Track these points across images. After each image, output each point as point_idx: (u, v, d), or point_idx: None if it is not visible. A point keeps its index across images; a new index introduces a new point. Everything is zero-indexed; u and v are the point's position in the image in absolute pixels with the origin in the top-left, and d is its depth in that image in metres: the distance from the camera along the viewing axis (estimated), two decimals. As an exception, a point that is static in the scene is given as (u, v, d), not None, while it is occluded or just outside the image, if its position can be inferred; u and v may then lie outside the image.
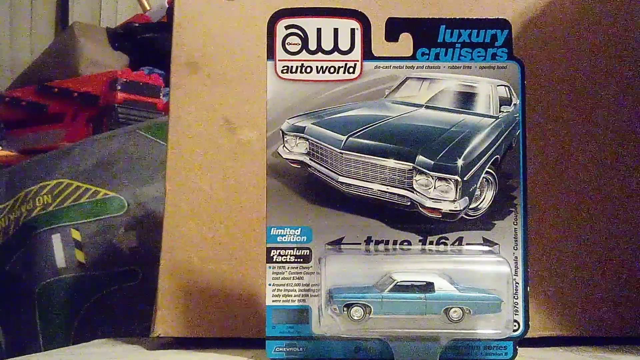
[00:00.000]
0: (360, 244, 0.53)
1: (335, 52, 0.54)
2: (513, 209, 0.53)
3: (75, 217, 1.03)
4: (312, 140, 0.55)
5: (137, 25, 1.78)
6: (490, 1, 0.68)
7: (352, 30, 0.54)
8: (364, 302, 0.49)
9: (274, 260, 0.53)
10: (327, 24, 0.54)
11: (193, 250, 0.65)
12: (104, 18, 2.64)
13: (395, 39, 0.54)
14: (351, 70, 0.54)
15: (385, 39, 0.55)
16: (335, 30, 0.54)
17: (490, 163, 0.53)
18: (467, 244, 0.53)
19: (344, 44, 0.54)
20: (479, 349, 0.52)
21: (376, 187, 0.54)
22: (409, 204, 0.53)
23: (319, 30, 0.54)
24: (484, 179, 0.53)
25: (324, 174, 0.54)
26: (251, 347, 0.59)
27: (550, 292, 0.64)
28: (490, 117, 0.55)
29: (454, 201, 0.52)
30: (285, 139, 0.54)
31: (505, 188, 0.53)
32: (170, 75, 0.68)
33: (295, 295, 0.53)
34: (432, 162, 0.52)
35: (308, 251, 0.53)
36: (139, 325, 0.95)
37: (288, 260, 0.53)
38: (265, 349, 0.53)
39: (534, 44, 0.67)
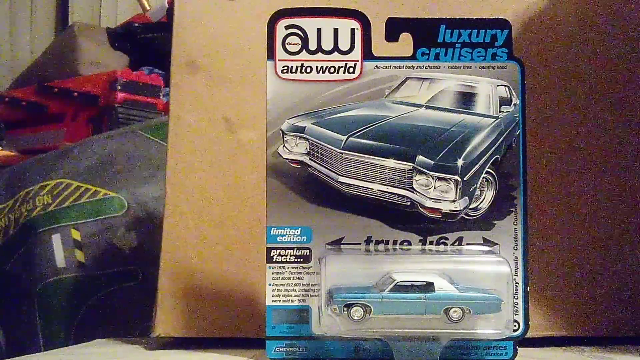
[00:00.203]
0: (360, 244, 0.53)
1: (335, 52, 0.54)
2: (513, 209, 0.53)
3: (75, 217, 1.03)
4: (312, 140, 0.55)
5: (137, 25, 1.78)
6: (490, 1, 0.68)
7: (352, 30, 0.54)
8: (364, 302, 0.49)
9: (274, 260, 0.53)
10: (327, 24, 0.54)
11: (193, 250, 0.65)
12: (104, 18, 2.64)
13: (395, 39, 0.54)
14: (351, 70, 0.54)
15: (385, 39, 0.55)
16: (335, 30, 0.54)
17: (490, 163, 0.53)
18: (467, 244, 0.53)
19: (344, 44, 0.54)
20: (479, 349, 0.52)
21: (376, 187, 0.54)
22: (409, 204, 0.53)
23: (319, 30, 0.54)
24: (484, 179, 0.53)
25: (324, 174, 0.54)
26: (251, 347, 0.59)
27: (550, 292, 0.64)
28: (490, 117, 0.55)
29: (454, 201, 0.52)
30: (285, 139, 0.54)
31: (505, 188, 0.53)
32: (170, 75, 0.68)
33: (295, 295, 0.53)
34: (432, 162, 0.52)
35: (308, 251, 0.53)
36: (139, 325, 0.95)
37: (288, 260, 0.53)
38: (265, 349, 0.53)
39: (534, 44, 0.67)
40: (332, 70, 0.54)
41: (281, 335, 0.53)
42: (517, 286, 0.52)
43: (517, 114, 0.54)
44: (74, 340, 0.98)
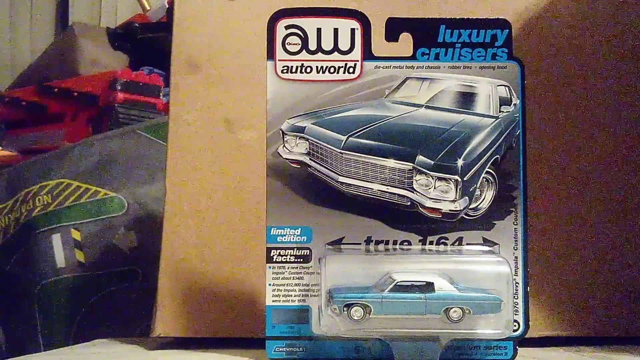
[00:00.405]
0: (360, 244, 0.53)
1: (335, 52, 0.54)
2: (513, 209, 0.53)
3: (75, 217, 1.03)
4: (312, 140, 0.55)
5: (137, 25, 1.78)
6: (490, 1, 0.68)
7: (352, 30, 0.54)
8: (364, 302, 0.49)
9: (274, 260, 0.53)
10: (327, 24, 0.54)
11: (193, 250, 0.65)
12: (104, 18, 2.64)
13: (395, 39, 0.54)
14: (351, 70, 0.54)
15: (385, 39, 0.55)
16: (335, 30, 0.54)
17: (490, 163, 0.53)
18: (467, 244, 0.53)
19: (344, 44, 0.54)
20: (479, 349, 0.52)
21: (376, 187, 0.54)
22: (409, 204, 0.53)
23: (319, 30, 0.54)
24: (484, 179, 0.53)
25: (324, 174, 0.54)
26: (251, 347, 0.59)
27: (550, 292, 0.64)
28: (490, 117, 0.55)
29: (454, 201, 0.52)
30: (285, 139, 0.54)
31: (505, 188, 0.53)
32: (170, 75, 0.68)
33: (295, 295, 0.53)
34: (432, 162, 0.52)
35: (308, 251, 0.53)
36: (139, 325, 0.95)
37: (288, 260, 0.53)
38: (265, 349, 0.53)
39: (534, 44, 0.67)
40: (332, 70, 0.54)
41: (281, 335, 0.53)
42: (517, 286, 0.52)
43: (517, 114, 0.54)
44: (74, 340, 0.98)
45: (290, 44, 0.54)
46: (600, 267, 0.65)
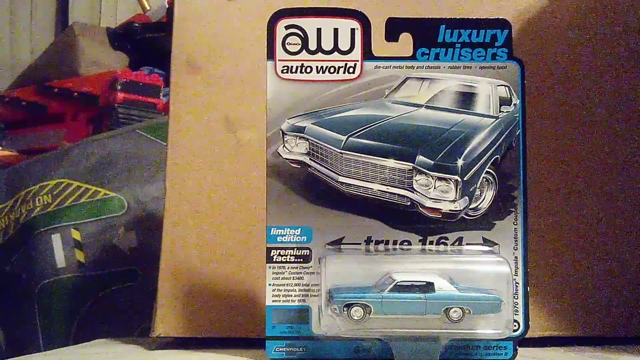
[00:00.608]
0: (360, 244, 0.53)
1: (335, 52, 0.54)
2: (513, 209, 0.53)
3: (75, 217, 1.03)
4: (312, 140, 0.55)
5: (137, 25, 1.78)
6: (490, 1, 0.68)
7: (352, 30, 0.54)
8: (364, 302, 0.49)
9: (274, 260, 0.53)
10: (327, 24, 0.54)
11: (193, 251, 0.65)
12: (104, 18, 2.64)
13: (395, 39, 0.54)
14: (351, 70, 0.54)
15: (385, 39, 0.55)
16: (335, 30, 0.54)
17: (490, 163, 0.53)
18: (467, 244, 0.53)
19: (344, 44, 0.54)
20: (479, 349, 0.52)
21: (376, 187, 0.54)
22: (409, 204, 0.53)
23: (319, 30, 0.54)
24: (484, 179, 0.53)
25: (324, 174, 0.54)
26: (251, 347, 0.59)
27: (550, 292, 0.64)
28: (490, 117, 0.55)
29: (454, 201, 0.52)
30: (285, 139, 0.54)
31: (505, 188, 0.53)
32: (170, 75, 0.68)
33: (295, 295, 0.53)
34: (432, 162, 0.52)
35: (308, 251, 0.53)
36: (139, 325, 0.95)
37: (288, 260, 0.53)
38: (265, 349, 0.53)
39: (534, 44, 0.67)
40: (332, 70, 0.54)
41: (281, 335, 0.53)
42: (517, 286, 0.52)
43: (517, 114, 0.54)
44: (74, 340, 0.98)
45: (290, 44, 0.54)
46: (600, 267, 0.65)
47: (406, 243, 0.53)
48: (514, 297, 0.52)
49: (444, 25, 0.54)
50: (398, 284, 0.50)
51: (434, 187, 0.52)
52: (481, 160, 0.53)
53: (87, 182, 1.06)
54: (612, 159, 0.66)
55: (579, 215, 0.66)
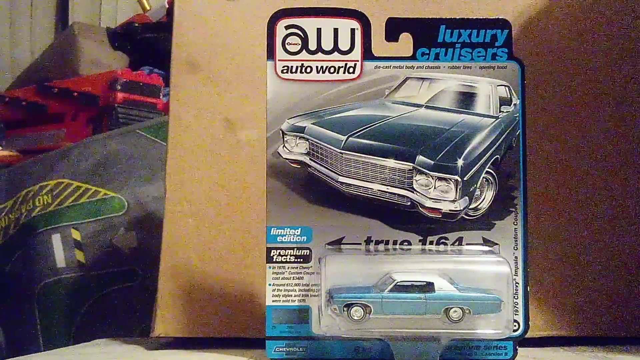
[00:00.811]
0: (360, 244, 0.53)
1: (335, 52, 0.54)
2: (513, 209, 0.53)
3: (75, 217, 1.03)
4: (312, 140, 0.55)
5: (137, 25, 1.78)
6: (490, 1, 0.68)
7: (352, 30, 0.54)
8: (364, 302, 0.49)
9: (274, 260, 0.53)
10: (327, 24, 0.54)
11: (193, 251, 0.65)
12: (104, 18, 2.64)
13: (395, 39, 0.54)
14: (351, 70, 0.54)
15: (385, 39, 0.55)
16: (335, 30, 0.54)
17: (490, 163, 0.53)
18: (467, 244, 0.53)
19: (344, 44, 0.54)
20: (479, 349, 0.52)
21: (376, 187, 0.54)
22: (409, 204, 0.53)
23: (319, 30, 0.54)
24: (484, 179, 0.53)
25: (324, 174, 0.54)
26: (251, 347, 0.59)
27: (550, 292, 0.64)
28: (490, 117, 0.55)
29: (454, 201, 0.52)
30: (285, 139, 0.54)
31: (505, 188, 0.53)
32: (170, 75, 0.68)
33: (295, 295, 0.53)
34: (432, 162, 0.52)
35: (308, 251, 0.53)
36: (139, 325, 0.95)
37: (288, 260, 0.53)
38: (265, 349, 0.53)
39: (534, 44, 0.67)
40: (332, 70, 0.54)
41: (281, 335, 0.53)
42: (517, 286, 0.52)
43: (517, 114, 0.54)
44: (74, 340, 0.98)
45: (290, 44, 0.54)
46: (600, 267, 0.65)
47: (406, 243, 0.53)
48: (514, 297, 0.52)
49: (444, 25, 0.54)
50: (398, 284, 0.50)
51: (434, 187, 0.52)
52: (481, 160, 0.53)
53: (87, 182, 1.06)
54: (612, 158, 0.66)
55: (579, 215, 0.66)
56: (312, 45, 0.54)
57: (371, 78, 0.54)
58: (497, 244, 0.53)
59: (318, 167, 0.55)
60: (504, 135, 0.54)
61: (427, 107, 0.56)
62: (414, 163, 0.52)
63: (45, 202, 1.05)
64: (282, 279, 0.53)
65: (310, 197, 0.53)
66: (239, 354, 0.57)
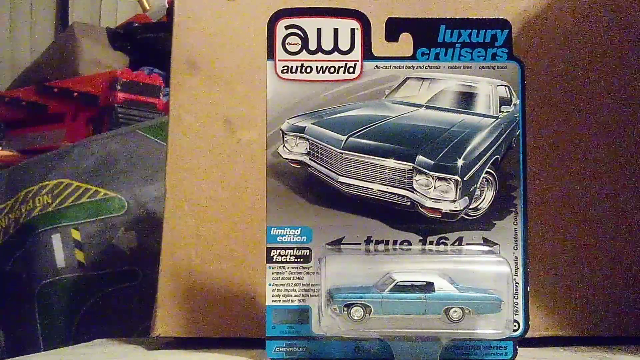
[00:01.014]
0: (360, 244, 0.53)
1: (335, 52, 0.54)
2: (513, 209, 0.53)
3: (75, 217, 1.03)
4: (312, 140, 0.55)
5: (137, 25, 1.79)
6: (490, 1, 0.68)
7: (352, 30, 0.54)
8: (364, 302, 0.49)
9: (274, 260, 0.53)
10: (327, 24, 0.54)
11: (193, 250, 0.65)
12: (104, 18, 2.64)
13: (395, 39, 0.54)
14: (351, 70, 0.54)
15: (385, 39, 0.55)
16: (335, 30, 0.54)
17: (490, 163, 0.53)
18: (467, 244, 0.53)
19: (344, 44, 0.54)
20: (479, 349, 0.52)
21: (376, 187, 0.54)
22: (409, 204, 0.53)
23: (319, 30, 0.54)
24: (484, 179, 0.53)
25: (324, 174, 0.54)
26: (251, 347, 0.59)
27: (550, 292, 0.64)
28: (490, 117, 0.55)
29: (454, 201, 0.52)
30: (285, 139, 0.54)
31: (505, 188, 0.53)
32: (170, 75, 0.68)
33: (295, 295, 0.53)
34: (432, 162, 0.52)
35: (308, 251, 0.53)
36: (139, 325, 0.95)
37: (288, 260, 0.53)
38: (265, 349, 0.53)
39: (534, 44, 0.67)
40: (332, 70, 0.54)
41: (281, 335, 0.53)
42: (517, 286, 0.52)
43: (517, 114, 0.54)
44: (74, 340, 0.98)
45: (290, 44, 0.54)
46: (600, 267, 0.65)
47: (406, 243, 0.53)
48: (514, 297, 0.52)
49: (444, 25, 0.54)
50: (398, 284, 0.50)
51: (434, 187, 0.52)
52: (481, 160, 0.53)
53: (87, 182, 1.06)
54: (612, 158, 0.66)
55: (579, 215, 0.66)
56: (312, 45, 0.54)
57: (371, 78, 0.54)
58: (497, 244, 0.53)
59: (318, 167, 0.55)
60: (504, 135, 0.54)
61: (427, 107, 0.56)
62: (414, 163, 0.52)
63: (45, 202, 1.05)
64: (282, 279, 0.53)
65: (310, 197, 0.53)
66: (239, 354, 0.57)
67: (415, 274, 0.50)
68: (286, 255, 0.53)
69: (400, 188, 0.53)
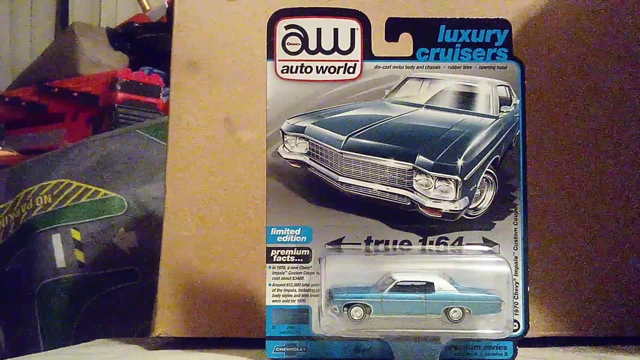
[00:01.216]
0: (360, 244, 0.53)
1: (335, 52, 0.54)
2: (513, 209, 0.53)
3: (75, 217, 1.03)
4: (312, 140, 0.55)
5: (137, 25, 1.78)
6: (490, 1, 0.68)
7: (352, 30, 0.54)
8: (364, 302, 0.49)
9: (274, 260, 0.53)
10: (327, 24, 0.54)
11: (193, 251, 0.65)
12: (104, 18, 2.64)
13: (395, 39, 0.54)
14: (351, 70, 0.54)
15: (385, 39, 0.55)
16: (335, 30, 0.54)
17: (490, 163, 0.53)
18: (467, 244, 0.53)
19: (344, 44, 0.54)
20: (479, 349, 0.52)
21: (376, 187, 0.54)
22: (409, 204, 0.53)
23: (319, 30, 0.54)
24: (484, 179, 0.53)
25: (324, 174, 0.54)
26: (251, 347, 0.59)
27: (550, 292, 0.64)
28: (490, 117, 0.55)
29: (454, 201, 0.52)
30: (285, 139, 0.54)
31: (505, 188, 0.53)
32: (170, 75, 0.68)
33: (295, 295, 0.53)
34: (432, 162, 0.52)
35: (308, 251, 0.53)
36: (139, 325, 0.95)
37: (288, 260, 0.53)
38: (265, 349, 0.53)
39: (534, 44, 0.67)
40: (332, 70, 0.54)
41: (281, 335, 0.53)
42: (517, 286, 0.52)
43: (517, 114, 0.54)
44: (74, 340, 0.98)
45: (290, 44, 0.54)
46: (600, 267, 0.65)
47: (406, 243, 0.53)
48: (514, 297, 0.52)
49: (444, 25, 0.54)
50: (398, 284, 0.50)
51: (434, 187, 0.52)
52: (481, 160, 0.53)
53: (87, 182, 1.06)
54: (612, 158, 0.66)
55: (579, 215, 0.66)
56: (312, 45, 0.54)
57: (371, 78, 0.54)
58: (497, 244, 0.53)
59: (318, 167, 0.55)
60: (504, 135, 0.54)
61: (427, 107, 0.56)
62: (414, 163, 0.52)
63: (45, 202, 1.05)
64: (282, 279, 0.53)
65: (310, 197, 0.53)
66: (239, 354, 0.57)
67: (415, 274, 0.50)
68: (286, 255, 0.53)
69: (400, 188, 0.53)
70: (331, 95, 0.54)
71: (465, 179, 0.52)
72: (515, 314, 0.52)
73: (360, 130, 0.54)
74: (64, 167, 1.09)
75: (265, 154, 0.54)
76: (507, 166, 0.53)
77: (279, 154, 0.54)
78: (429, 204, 0.53)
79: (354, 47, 0.54)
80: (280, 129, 0.54)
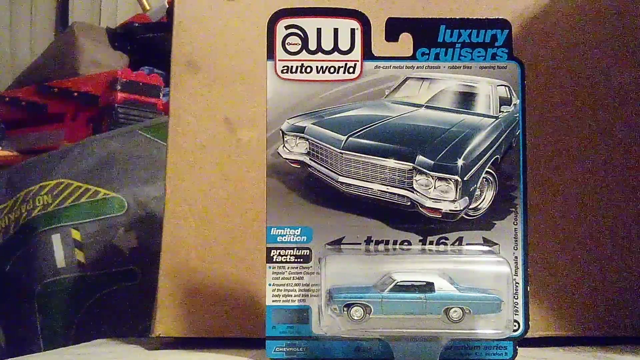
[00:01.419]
0: (360, 244, 0.53)
1: (335, 52, 0.54)
2: (513, 209, 0.53)
3: (75, 217, 1.03)
4: (312, 140, 0.55)
5: (137, 25, 1.78)
6: (490, 1, 0.68)
7: (352, 30, 0.54)
8: (364, 302, 0.49)
9: (274, 260, 0.53)
10: (327, 24, 0.54)
11: (193, 250, 0.65)
12: (104, 18, 2.64)
13: (395, 39, 0.54)
14: (351, 70, 0.54)
15: (385, 39, 0.55)
16: (335, 30, 0.54)
17: (490, 163, 0.53)
18: (467, 244, 0.53)
19: (344, 44, 0.54)
20: (479, 349, 0.52)
21: (376, 187, 0.54)
22: (409, 204, 0.53)
23: (319, 30, 0.54)
24: (484, 179, 0.53)
25: (324, 174, 0.54)
26: (251, 347, 0.59)
27: (550, 292, 0.64)
28: (490, 117, 0.55)
29: (454, 201, 0.52)
30: (285, 139, 0.54)
31: (505, 188, 0.53)
32: (170, 75, 0.68)
33: (295, 295, 0.53)
34: (432, 162, 0.52)
35: (308, 251, 0.53)
36: (139, 325, 0.95)
37: (288, 260, 0.53)
38: (265, 349, 0.53)
39: (534, 44, 0.67)
40: (332, 70, 0.54)
41: (281, 335, 0.53)
42: (517, 286, 0.52)
43: (517, 114, 0.54)
44: (74, 340, 0.98)
45: (290, 44, 0.54)
46: (600, 267, 0.65)
47: (406, 243, 0.53)
48: (514, 297, 0.52)
49: (444, 25, 0.54)
50: (398, 284, 0.50)
51: (434, 187, 0.52)
52: (481, 160, 0.53)
53: (87, 182, 1.06)
54: (612, 159, 0.66)
55: (579, 215, 0.66)
56: (312, 45, 0.54)
57: (371, 78, 0.54)
58: (497, 244, 0.53)
59: (318, 167, 0.55)
60: (504, 135, 0.54)
61: (427, 107, 0.56)
62: (414, 163, 0.52)
63: (45, 202, 1.05)
64: (282, 279, 0.53)
65: (310, 197, 0.53)
66: (239, 354, 0.57)
67: (415, 274, 0.50)
68: (286, 255, 0.53)
69: (400, 188, 0.53)
70: (331, 95, 0.54)
71: (465, 179, 0.52)
72: (515, 314, 0.52)
73: (360, 130, 0.54)
74: (64, 167, 1.09)
75: (265, 154, 0.54)
76: (507, 166, 0.53)
77: (279, 154, 0.54)
78: (429, 204, 0.53)
79: (354, 47, 0.54)
80: (280, 129, 0.54)
